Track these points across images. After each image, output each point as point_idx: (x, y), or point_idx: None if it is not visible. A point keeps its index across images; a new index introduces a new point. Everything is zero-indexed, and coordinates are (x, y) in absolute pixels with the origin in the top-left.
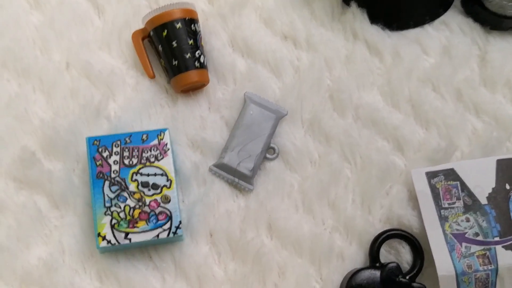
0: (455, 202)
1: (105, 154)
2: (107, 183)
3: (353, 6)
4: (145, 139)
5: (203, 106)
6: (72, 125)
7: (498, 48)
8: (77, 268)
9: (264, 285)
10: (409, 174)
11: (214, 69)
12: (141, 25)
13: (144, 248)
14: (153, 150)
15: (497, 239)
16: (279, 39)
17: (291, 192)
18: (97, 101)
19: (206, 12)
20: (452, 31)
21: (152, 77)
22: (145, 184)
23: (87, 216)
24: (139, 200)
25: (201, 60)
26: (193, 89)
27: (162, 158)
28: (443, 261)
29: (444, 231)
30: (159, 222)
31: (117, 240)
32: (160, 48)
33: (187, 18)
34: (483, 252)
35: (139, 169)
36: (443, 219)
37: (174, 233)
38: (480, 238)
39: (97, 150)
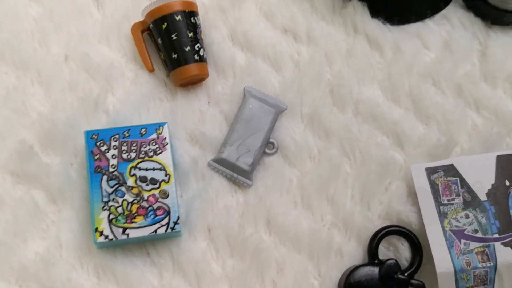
0: (455, 198)
1: (103, 148)
2: (105, 177)
3: (354, 0)
4: (143, 133)
5: (203, 100)
6: (70, 118)
7: (499, 42)
8: (74, 263)
9: (262, 281)
10: (409, 170)
11: (213, 62)
12: (140, 18)
13: (142, 244)
14: (152, 144)
15: (496, 235)
16: (279, 33)
17: (290, 188)
18: (96, 94)
19: (206, 5)
20: (453, 25)
21: (151, 70)
22: (143, 179)
23: (85, 211)
24: (137, 195)
25: (201, 53)
26: (192, 83)
27: (160, 153)
28: (442, 258)
29: (443, 227)
30: (157, 217)
31: (114, 236)
32: (159, 41)
33: (187, 11)
34: (482, 249)
35: (138, 163)
36: (442, 216)
37: (172, 228)
38: (479, 234)
39: (95, 144)
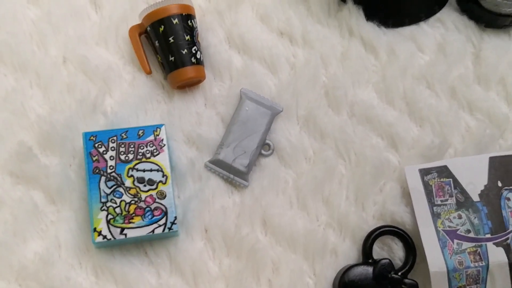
0: (448, 199)
1: (101, 150)
2: (103, 178)
3: (349, 3)
4: (141, 134)
5: (199, 102)
6: (69, 120)
7: (492, 45)
8: (73, 263)
9: (258, 280)
10: (403, 171)
11: (210, 65)
12: (138, 21)
13: (139, 244)
14: (149, 145)
15: (488, 236)
16: (275, 36)
17: (285, 188)
18: (94, 96)
19: (203, 8)
20: (447, 28)
21: (148, 72)
22: (141, 180)
23: (83, 211)
24: (134, 195)
25: (198, 56)
26: (189, 85)
27: (158, 154)
28: (435, 257)
29: (436, 227)
30: (155, 217)
31: (112, 236)
32: (156, 43)
33: (184, 14)
34: (475, 249)
35: (135, 164)
36: (435, 216)
37: (170, 228)
38: (471, 235)
39: (94, 146)
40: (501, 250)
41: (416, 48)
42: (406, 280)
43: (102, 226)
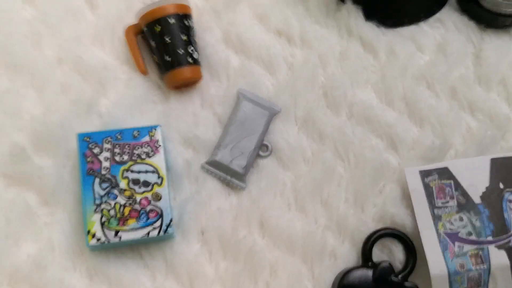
0: (449, 201)
1: (96, 151)
2: (97, 180)
3: (348, 3)
4: (136, 135)
5: (196, 103)
6: (63, 121)
7: (493, 46)
8: (66, 265)
9: (256, 283)
10: (403, 173)
11: (207, 65)
12: (134, 21)
13: (135, 246)
14: (145, 147)
15: (490, 238)
16: (273, 36)
17: (283, 190)
18: (89, 97)
19: (200, 7)
20: (447, 28)
21: (144, 73)
22: (136, 182)
23: (77, 213)
24: (129, 197)
25: (194, 56)
26: (186, 85)
27: (153, 155)
28: (435, 260)
29: (437, 230)
30: (150, 220)
31: (107, 238)
32: (153, 43)
33: (180, 14)
34: (476, 252)
35: (130, 166)
36: (436, 218)
37: (165, 231)
38: (473, 237)
39: (88, 147)
40: (503, 253)
41: (415, 48)
42: (406, 283)
43: (96, 229)
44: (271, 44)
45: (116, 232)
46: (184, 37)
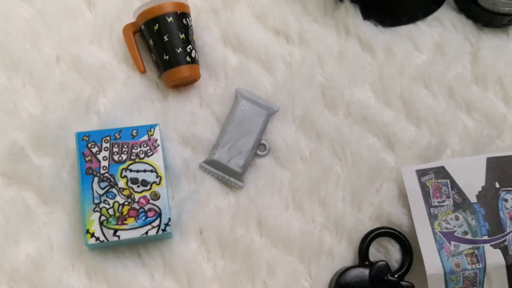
0: (445, 200)
1: (94, 150)
2: (96, 179)
3: (346, 1)
4: (135, 134)
5: (194, 102)
6: (62, 120)
7: (490, 45)
8: (65, 265)
9: (253, 282)
10: (400, 172)
11: (205, 64)
12: (132, 19)
13: (133, 245)
14: (143, 146)
15: (485, 237)
16: (271, 35)
17: (281, 189)
18: (87, 95)
19: (198, 6)
20: (444, 27)
21: (143, 71)
22: (134, 181)
23: (76, 213)
24: (128, 196)
25: (193, 55)
26: (184, 84)
27: (152, 154)
28: (431, 259)
29: (433, 229)
30: (148, 219)
31: (105, 237)
32: (151, 42)
33: (179, 12)
34: (472, 251)
35: (129, 165)
36: (432, 217)
37: (163, 230)
38: (469, 236)
39: (87, 146)
40: (498, 252)
41: (413, 47)
42: (402, 283)
43: (95, 228)
44: (269, 43)
45: (115, 231)
46: (182, 36)
